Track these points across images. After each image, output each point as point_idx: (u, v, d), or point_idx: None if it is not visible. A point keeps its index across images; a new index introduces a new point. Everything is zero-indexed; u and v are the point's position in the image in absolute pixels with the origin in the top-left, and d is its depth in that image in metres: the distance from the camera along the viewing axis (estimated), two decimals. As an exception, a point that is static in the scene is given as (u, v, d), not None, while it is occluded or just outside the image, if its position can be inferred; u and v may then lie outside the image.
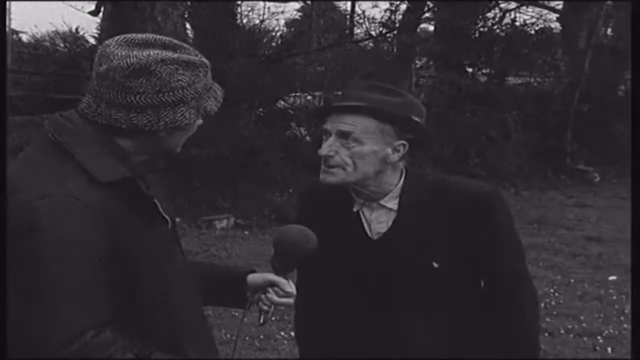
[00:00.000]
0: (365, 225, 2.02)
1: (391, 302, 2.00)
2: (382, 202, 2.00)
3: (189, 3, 10.86)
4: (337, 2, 17.11)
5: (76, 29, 12.80)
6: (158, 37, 1.60)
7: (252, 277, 1.88)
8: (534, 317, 2.08)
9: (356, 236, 2.02)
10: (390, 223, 2.00)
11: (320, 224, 1.97)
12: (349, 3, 15.41)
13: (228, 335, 4.94)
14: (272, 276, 1.85)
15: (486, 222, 1.97)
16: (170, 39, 1.61)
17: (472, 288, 2.03)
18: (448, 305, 2.00)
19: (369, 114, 1.90)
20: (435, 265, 1.96)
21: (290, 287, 1.85)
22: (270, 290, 1.85)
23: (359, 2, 15.05)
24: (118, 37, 1.59)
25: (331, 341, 2.09)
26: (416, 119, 1.95)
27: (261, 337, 4.99)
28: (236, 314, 5.10)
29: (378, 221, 2.01)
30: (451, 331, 2.01)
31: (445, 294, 1.99)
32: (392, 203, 2.00)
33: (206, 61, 1.61)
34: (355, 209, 2.03)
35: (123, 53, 1.54)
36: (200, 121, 1.64)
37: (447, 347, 2.00)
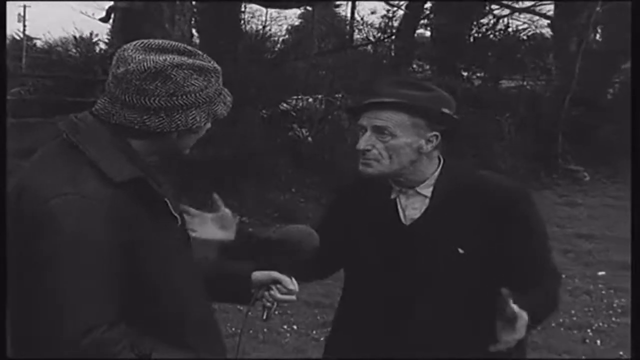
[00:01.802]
0: (400, 211, 2.07)
1: (414, 286, 2.03)
2: (418, 189, 2.06)
3: (195, 10, 11.03)
4: (337, 9, 17.29)
5: (90, 34, 13.02)
6: (173, 43, 1.63)
7: (256, 274, 1.91)
8: (555, 299, 2.12)
9: (390, 222, 2.07)
10: (423, 209, 2.05)
11: (358, 212, 2.10)
12: (349, 10, 15.60)
13: (233, 329, 4.88)
14: (275, 273, 1.89)
15: (519, 215, 2.02)
16: (185, 45, 1.65)
17: (495, 277, 1.99)
18: (468, 292, 2.02)
19: (402, 109, 1.98)
20: (460, 251, 2.00)
21: (293, 285, 1.88)
22: (273, 287, 1.89)
23: (359, 2, 15.23)
24: (135, 42, 1.62)
25: (359, 326, 2.11)
26: (446, 111, 2.03)
27: (265, 330, 5.07)
28: (242, 308, 5.25)
29: (412, 207, 2.06)
30: (468, 318, 2.01)
31: (468, 281, 2.02)
32: (427, 190, 2.05)
33: (218, 67, 1.64)
34: (392, 196, 2.09)
35: (140, 57, 1.57)
36: (209, 125, 1.68)
37: (462, 334, 2.00)
